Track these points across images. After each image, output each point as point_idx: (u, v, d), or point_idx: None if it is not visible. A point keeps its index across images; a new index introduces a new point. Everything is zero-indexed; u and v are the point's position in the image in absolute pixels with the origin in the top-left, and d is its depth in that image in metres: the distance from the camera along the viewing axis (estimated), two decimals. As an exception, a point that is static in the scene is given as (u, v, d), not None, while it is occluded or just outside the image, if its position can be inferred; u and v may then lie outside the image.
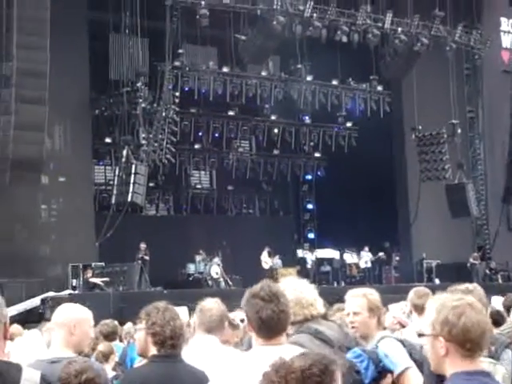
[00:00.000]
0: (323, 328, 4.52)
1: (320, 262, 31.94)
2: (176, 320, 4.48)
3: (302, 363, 2.96)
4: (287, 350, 3.62)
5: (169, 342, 4.41)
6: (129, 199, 25.14)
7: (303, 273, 31.66)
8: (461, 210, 30.75)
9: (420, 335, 3.26)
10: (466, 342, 3.04)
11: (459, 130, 31.37)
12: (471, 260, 30.24)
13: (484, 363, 3.73)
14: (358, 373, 4.51)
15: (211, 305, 5.03)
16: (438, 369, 3.17)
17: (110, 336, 7.87)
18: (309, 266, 31.27)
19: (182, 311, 5.20)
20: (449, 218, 30.77)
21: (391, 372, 4.97)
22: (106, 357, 7.02)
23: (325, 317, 4.65)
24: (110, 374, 6.43)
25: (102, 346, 7.22)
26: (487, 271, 30.70)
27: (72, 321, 4.73)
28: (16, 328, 9.75)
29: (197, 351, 4.75)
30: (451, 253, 30.44)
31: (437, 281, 29.11)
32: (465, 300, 3.11)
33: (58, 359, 4.49)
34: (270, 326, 3.85)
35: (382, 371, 4.95)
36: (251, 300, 3.90)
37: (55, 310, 4.89)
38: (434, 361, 3.15)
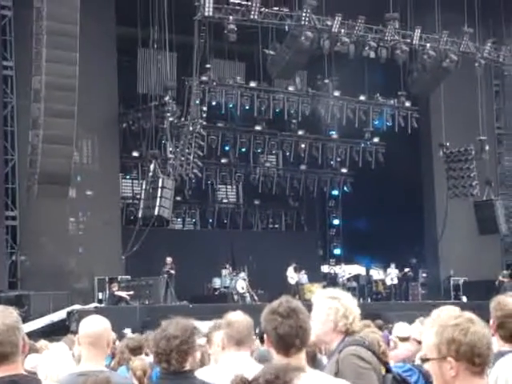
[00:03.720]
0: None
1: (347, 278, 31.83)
2: (181, 335, 4.40)
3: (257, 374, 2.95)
4: (314, 375, 3.58)
5: (172, 360, 4.33)
6: (155, 213, 25.20)
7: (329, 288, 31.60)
8: (489, 226, 30.52)
9: (424, 360, 3.16)
10: (475, 357, 2.98)
11: (487, 147, 31.15)
12: (500, 278, 29.94)
13: None
14: None
15: (239, 317, 4.91)
16: None
17: (136, 350, 7.83)
18: (341, 279, 31.16)
19: (204, 326, 5.08)
20: (477, 235, 30.54)
21: None
22: (144, 372, 7.02)
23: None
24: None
25: (139, 362, 7.16)
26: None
27: (102, 333, 4.74)
28: (43, 343, 9.81)
29: (229, 369, 4.62)
30: (479, 270, 30.17)
31: (464, 298, 28.87)
32: (464, 316, 3.06)
33: (87, 372, 4.49)
34: (288, 341, 3.83)
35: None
36: (269, 316, 3.89)
37: (80, 322, 4.90)
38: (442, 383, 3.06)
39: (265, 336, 3.93)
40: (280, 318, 3.83)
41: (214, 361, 5.32)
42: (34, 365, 6.68)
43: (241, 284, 27.51)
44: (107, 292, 24.63)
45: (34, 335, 13.24)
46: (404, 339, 7.98)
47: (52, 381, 5.57)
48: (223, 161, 32.16)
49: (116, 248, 25.95)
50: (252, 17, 26.27)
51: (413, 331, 7.52)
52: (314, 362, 4.77)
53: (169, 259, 25.91)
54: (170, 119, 26.18)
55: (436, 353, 3.03)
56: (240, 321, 4.84)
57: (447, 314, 3.10)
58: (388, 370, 4.43)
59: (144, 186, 26.33)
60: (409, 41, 28.70)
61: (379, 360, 4.40)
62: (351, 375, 4.17)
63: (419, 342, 7.20)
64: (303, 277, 29.43)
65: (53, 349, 8.48)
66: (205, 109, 27.66)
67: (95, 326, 4.77)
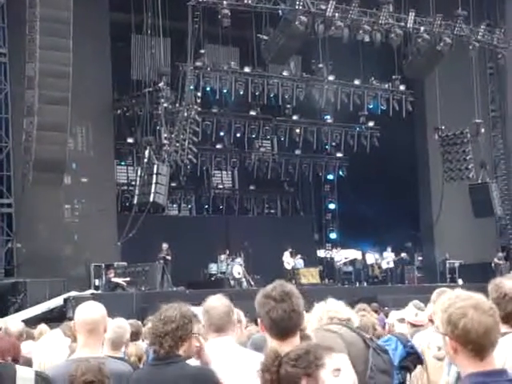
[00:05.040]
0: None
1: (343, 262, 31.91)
2: (178, 320, 4.41)
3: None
4: None
5: (165, 343, 4.34)
6: (151, 199, 25.19)
7: (325, 273, 31.71)
8: (484, 209, 30.58)
9: (437, 332, 3.31)
10: (468, 343, 3.03)
11: (483, 130, 31.16)
12: (496, 260, 30.05)
13: None
14: (386, 352, 4.58)
15: (215, 302, 4.85)
16: (454, 363, 3.21)
17: (133, 336, 7.84)
18: (338, 264, 31.28)
19: (201, 312, 5.05)
20: (472, 218, 30.60)
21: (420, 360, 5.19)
22: (139, 358, 7.05)
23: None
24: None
25: (133, 347, 7.18)
26: None
27: (99, 320, 4.75)
28: (43, 327, 9.82)
29: (212, 356, 4.57)
30: (475, 253, 30.26)
31: (460, 281, 28.96)
32: (471, 300, 3.09)
33: (84, 359, 4.50)
34: (281, 325, 3.83)
35: (411, 352, 5.08)
36: (263, 300, 3.89)
37: (76, 309, 4.90)
38: (448, 357, 3.18)
39: (259, 320, 3.93)
40: (273, 302, 3.83)
41: None
42: (29, 351, 6.72)
43: (237, 269, 27.56)
44: (104, 278, 24.65)
45: (31, 322, 13.25)
46: (401, 320, 8.04)
47: (46, 367, 5.59)
48: (218, 146, 32.14)
49: (112, 235, 25.94)
50: (246, 1, 26.18)
51: (407, 314, 7.56)
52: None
53: (165, 245, 25.95)
54: (165, 105, 26.12)
55: (441, 328, 3.12)
56: (217, 307, 4.79)
57: (457, 295, 3.15)
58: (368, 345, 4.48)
59: (139, 173, 26.30)
60: (403, 24, 28.64)
61: (359, 335, 4.44)
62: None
63: (413, 325, 7.24)
64: (299, 261, 29.50)
65: (48, 336, 8.50)
66: (199, 94, 27.61)
67: (92, 312, 4.78)
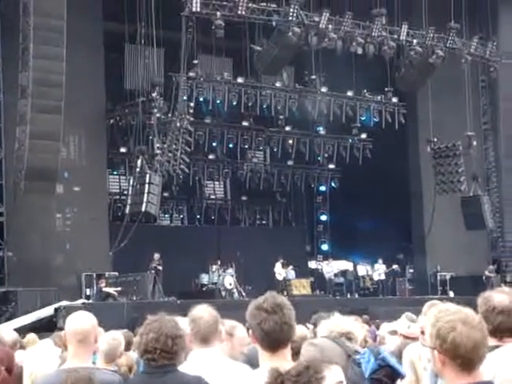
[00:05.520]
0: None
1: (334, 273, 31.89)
2: (183, 334, 4.39)
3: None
4: None
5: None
6: (143, 209, 25.17)
7: (316, 284, 31.70)
8: (476, 222, 30.62)
9: (424, 345, 3.32)
10: (457, 357, 3.06)
11: (475, 142, 31.25)
12: (487, 273, 30.07)
13: None
14: (359, 365, 4.64)
15: (201, 312, 4.81)
16: (440, 376, 3.23)
17: (124, 346, 7.83)
18: (329, 275, 31.25)
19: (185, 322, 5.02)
20: (464, 231, 30.64)
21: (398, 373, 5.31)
22: (130, 368, 7.03)
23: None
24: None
25: (124, 358, 7.15)
26: (502, 284, 30.51)
27: (89, 330, 4.74)
28: (31, 337, 9.79)
29: (197, 367, 4.56)
30: (466, 265, 30.30)
31: (451, 293, 28.99)
32: (459, 314, 3.11)
33: (74, 369, 4.49)
34: (273, 337, 3.84)
35: (382, 364, 5.23)
36: (254, 311, 3.90)
37: (67, 319, 4.89)
38: (435, 370, 3.21)
39: (250, 331, 3.94)
40: (265, 313, 3.84)
41: None
42: (20, 360, 6.69)
43: (228, 280, 27.53)
44: (95, 288, 24.60)
45: (21, 332, 13.21)
46: (393, 333, 8.05)
47: (37, 376, 5.57)
48: (210, 157, 32.13)
49: (103, 244, 25.90)
50: (239, 12, 26.22)
51: (399, 326, 7.57)
52: (298, 357, 4.84)
53: (156, 255, 25.90)
54: (158, 115, 26.13)
55: (429, 342, 3.15)
56: (204, 317, 4.76)
57: (446, 308, 3.17)
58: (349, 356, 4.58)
59: (131, 182, 26.28)
60: (396, 37, 28.75)
61: (342, 348, 4.53)
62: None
63: (405, 337, 7.25)
64: (290, 273, 29.48)
65: (39, 346, 8.47)
66: (192, 105, 27.63)
67: (82, 323, 4.77)
